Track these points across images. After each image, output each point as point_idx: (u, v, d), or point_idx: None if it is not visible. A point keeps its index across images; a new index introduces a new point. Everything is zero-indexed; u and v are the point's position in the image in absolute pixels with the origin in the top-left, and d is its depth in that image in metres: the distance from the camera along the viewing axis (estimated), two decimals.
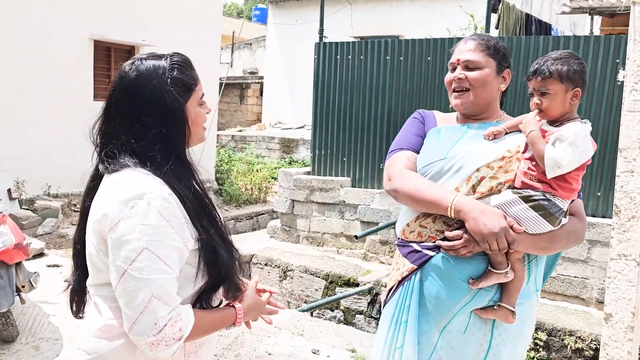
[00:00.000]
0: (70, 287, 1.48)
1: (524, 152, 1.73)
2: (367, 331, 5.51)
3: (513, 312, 1.73)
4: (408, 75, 6.59)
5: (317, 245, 7.18)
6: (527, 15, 7.38)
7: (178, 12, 9.60)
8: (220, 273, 1.36)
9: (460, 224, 1.71)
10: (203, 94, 1.41)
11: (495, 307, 1.73)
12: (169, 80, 1.30)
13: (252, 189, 10.80)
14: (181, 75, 1.33)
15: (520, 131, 1.84)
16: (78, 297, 1.47)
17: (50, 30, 7.84)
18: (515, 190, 1.71)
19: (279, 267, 6.67)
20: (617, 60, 5.40)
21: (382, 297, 1.97)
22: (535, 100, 1.72)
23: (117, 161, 1.30)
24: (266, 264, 6.79)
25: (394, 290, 1.85)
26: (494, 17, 6.79)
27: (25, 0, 7.57)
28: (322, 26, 7.46)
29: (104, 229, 1.25)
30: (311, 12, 14.60)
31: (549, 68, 1.67)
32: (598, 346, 4.74)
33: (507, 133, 1.83)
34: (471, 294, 1.71)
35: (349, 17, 13.48)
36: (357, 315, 6.09)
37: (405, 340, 1.75)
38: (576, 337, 4.81)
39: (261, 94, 17.21)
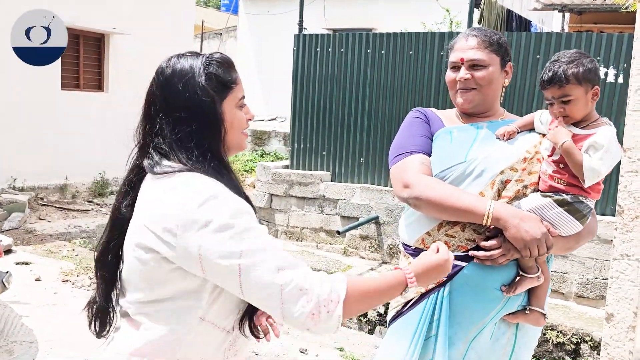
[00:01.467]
0: (95, 304, 1.34)
1: (550, 155, 1.70)
2: (348, 326, 5.47)
3: (544, 314, 1.73)
4: (389, 69, 6.53)
5: (296, 240, 7.09)
6: (509, 11, 7.42)
7: (150, 0, 9.30)
8: None
9: (492, 231, 1.66)
10: (244, 97, 1.34)
11: (526, 312, 1.72)
12: (204, 75, 1.25)
13: None
14: (217, 72, 1.27)
15: (531, 130, 1.82)
16: (103, 314, 1.34)
17: (15, 16, 7.46)
18: (544, 193, 1.68)
19: None
20: (598, 58, 5.47)
21: (392, 307, 1.86)
22: (557, 108, 1.68)
23: (161, 161, 1.25)
24: None
25: (413, 303, 1.77)
26: (476, 12, 6.79)
27: None
28: (301, 17, 7.34)
29: (180, 238, 1.14)
30: (283, 3, 14.40)
31: (565, 73, 1.63)
32: (579, 340, 4.81)
33: (519, 132, 1.79)
34: (503, 302, 1.68)
35: (323, 9, 13.35)
36: None
37: (435, 354, 1.69)
38: (557, 332, 4.87)
39: None
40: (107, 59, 8.87)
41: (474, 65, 1.79)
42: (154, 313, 1.22)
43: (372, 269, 6.23)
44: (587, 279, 5.38)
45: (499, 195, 1.70)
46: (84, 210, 8.07)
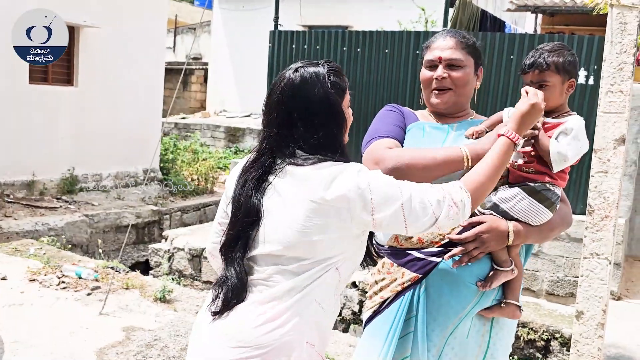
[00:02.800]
0: (226, 282, 1.48)
1: (522, 145, 1.73)
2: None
3: (520, 307, 1.75)
4: (365, 67, 6.54)
5: None
6: (483, 12, 7.51)
7: None
8: None
9: (462, 229, 1.66)
10: (350, 99, 1.56)
11: (502, 305, 1.73)
12: (329, 84, 1.47)
13: (198, 179, 10.48)
14: (337, 80, 1.49)
15: None
16: (240, 290, 1.46)
17: None
18: (512, 185, 1.72)
19: None
20: None
21: (370, 307, 1.86)
22: None
23: (301, 156, 1.44)
24: None
25: (389, 302, 1.77)
26: (451, 12, 6.86)
27: None
28: (277, 13, 7.30)
29: (351, 205, 1.39)
30: None
31: (546, 60, 1.71)
32: (549, 337, 4.90)
33: (487, 132, 1.81)
34: (478, 296, 1.69)
35: (298, 6, 13.31)
36: None
37: (414, 350, 1.70)
38: (529, 329, 4.95)
39: (205, 81, 16.79)
40: (77, 53, 8.65)
41: (451, 65, 1.80)
42: (296, 269, 1.43)
43: None
44: (557, 277, 5.48)
45: None
46: (52, 208, 7.88)
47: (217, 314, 1.47)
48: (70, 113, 8.61)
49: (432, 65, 1.84)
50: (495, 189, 1.72)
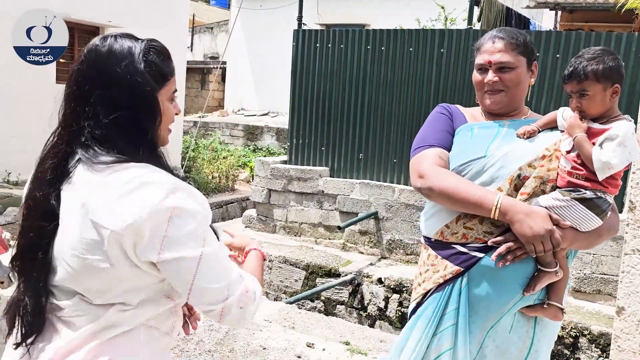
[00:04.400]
0: (22, 305, 1.20)
1: (569, 151, 1.73)
2: (349, 321, 5.51)
3: (562, 309, 1.75)
4: (389, 65, 6.56)
5: (295, 235, 7.11)
6: (508, 9, 7.50)
7: None
8: None
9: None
10: (176, 90, 1.29)
11: (545, 306, 1.73)
12: (143, 62, 1.19)
13: (219, 177, 10.58)
14: (157, 60, 1.22)
15: (553, 128, 1.85)
16: (37, 318, 1.19)
17: (7, 8, 7.36)
18: (563, 190, 1.71)
19: None
20: None
21: (413, 298, 1.92)
22: (574, 102, 1.72)
23: (97, 152, 1.17)
24: None
25: (431, 293, 1.82)
26: (476, 10, 6.85)
27: None
28: (300, 12, 7.34)
29: (138, 237, 1.10)
30: None
31: (585, 69, 1.67)
32: (577, 334, 4.91)
33: (539, 131, 1.83)
34: (520, 294, 1.71)
35: (316, 4, 13.34)
36: (338, 306, 6.08)
37: (456, 342, 1.74)
38: None
39: (223, 80, 16.87)
40: None
41: (501, 68, 1.82)
42: (95, 316, 1.16)
43: (371, 264, 6.27)
44: (585, 274, 5.48)
45: (516, 192, 1.72)
46: None
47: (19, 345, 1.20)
48: None
49: (482, 69, 1.86)
50: (544, 192, 1.73)
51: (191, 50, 17.98)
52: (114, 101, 1.16)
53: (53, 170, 1.20)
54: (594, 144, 1.66)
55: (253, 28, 15.38)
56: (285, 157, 7.49)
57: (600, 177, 1.65)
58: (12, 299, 1.23)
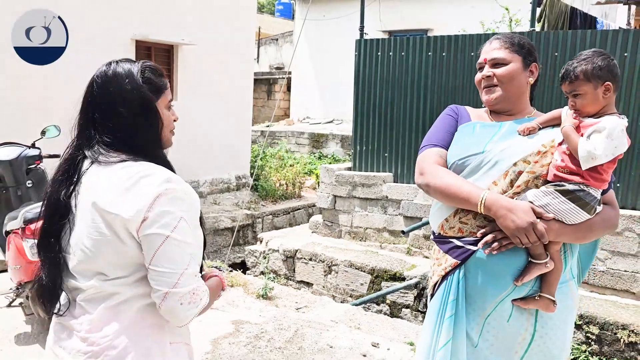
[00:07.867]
0: (41, 283, 1.47)
1: (559, 144, 1.82)
2: (410, 321, 5.59)
3: (554, 301, 1.81)
4: (450, 71, 6.61)
5: (360, 240, 7.27)
6: (572, 9, 7.33)
7: (213, 11, 9.72)
8: (204, 250, 1.58)
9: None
10: (172, 99, 1.58)
11: (536, 298, 1.81)
12: (141, 78, 1.47)
13: (286, 184, 10.91)
14: (152, 77, 1.50)
15: (553, 126, 1.92)
16: (52, 294, 1.47)
17: (93, 32, 7.99)
18: (549, 184, 1.79)
19: (323, 261, 6.78)
20: None
21: (429, 291, 2.04)
22: (570, 101, 1.82)
23: (106, 153, 1.44)
24: (310, 259, 6.91)
25: (438, 285, 1.94)
26: (538, 11, 6.75)
27: (69, 3, 7.70)
28: (362, 22, 7.51)
29: (137, 223, 1.35)
30: (339, 7, 14.64)
31: (575, 70, 1.77)
32: None
33: (540, 129, 1.91)
34: (512, 285, 1.80)
35: (378, 11, 13.48)
36: (403, 309, 6.17)
37: (456, 332, 1.84)
38: (629, 331, 4.83)
39: (288, 89, 17.31)
40: (176, 69, 9.32)
41: (495, 64, 1.96)
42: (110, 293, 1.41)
43: None
44: None
45: (512, 186, 1.82)
46: None
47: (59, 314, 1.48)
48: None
49: (481, 68, 2.01)
50: (537, 186, 1.81)
51: (257, 61, 18.57)
52: (120, 111, 1.44)
53: (62, 173, 1.49)
54: (582, 135, 1.74)
55: (317, 38, 15.71)
56: (349, 164, 7.66)
57: (584, 167, 1.71)
58: (35, 278, 1.51)
